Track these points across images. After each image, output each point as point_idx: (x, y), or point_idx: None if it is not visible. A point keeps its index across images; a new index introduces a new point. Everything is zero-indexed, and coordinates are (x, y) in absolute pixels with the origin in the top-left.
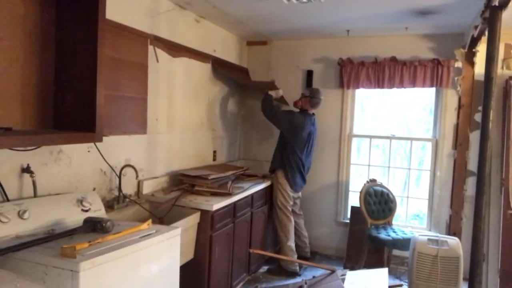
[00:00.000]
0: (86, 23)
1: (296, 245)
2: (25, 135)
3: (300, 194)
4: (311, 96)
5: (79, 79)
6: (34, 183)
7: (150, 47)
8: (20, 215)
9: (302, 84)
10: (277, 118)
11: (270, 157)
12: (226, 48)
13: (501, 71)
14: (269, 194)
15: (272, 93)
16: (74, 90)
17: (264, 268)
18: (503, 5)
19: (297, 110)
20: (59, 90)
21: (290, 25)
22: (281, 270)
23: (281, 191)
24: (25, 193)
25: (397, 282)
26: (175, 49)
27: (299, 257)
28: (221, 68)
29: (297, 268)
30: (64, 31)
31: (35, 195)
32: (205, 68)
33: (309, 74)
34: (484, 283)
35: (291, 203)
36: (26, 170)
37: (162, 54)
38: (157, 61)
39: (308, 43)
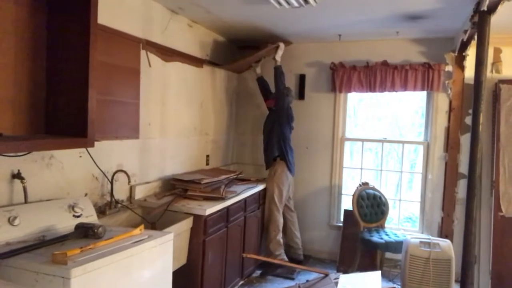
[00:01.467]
0: (78, 28)
1: (289, 247)
2: (16, 141)
3: (292, 183)
4: (287, 94)
5: (71, 84)
6: (25, 189)
7: (143, 52)
8: (11, 221)
9: (295, 88)
10: (284, 98)
11: (263, 161)
12: (219, 52)
13: (490, 74)
14: (262, 198)
15: (279, 57)
16: (65, 95)
17: (258, 272)
18: (491, 10)
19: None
20: (51, 95)
21: (282, 30)
22: (274, 267)
23: (278, 185)
24: (16, 199)
25: (390, 285)
26: (168, 53)
27: (291, 260)
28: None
29: (285, 257)
30: (56, 35)
31: (26, 201)
32: (198, 72)
33: (302, 78)
34: (475, 285)
35: (284, 198)
36: (17, 176)
37: (154, 58)
38: (150, 65)
39: (300, 48)
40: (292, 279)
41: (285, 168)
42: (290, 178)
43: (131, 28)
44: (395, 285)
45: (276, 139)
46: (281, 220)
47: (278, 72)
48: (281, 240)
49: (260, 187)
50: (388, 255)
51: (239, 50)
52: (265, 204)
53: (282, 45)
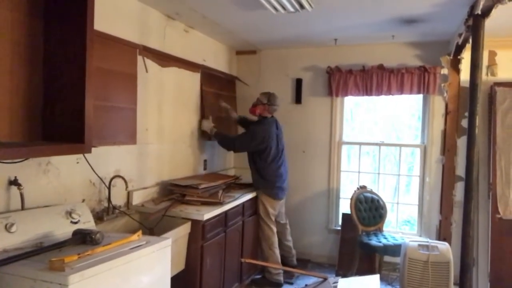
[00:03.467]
0: (75, 34)
1: (282, 257)
2: (13, 147)
3: (283, 202)
4: (269, 104)
5: (68, 90)
6: (21, 195)
7: (139, 57)
8: (7, 228)
9: (292, 93)
10: (242, 146)
11: None
12: (216, 57)
13: (485, 77)
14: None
15: (205, 128)
16: (62, 101)
17: (257, 277)
18: (485, 13)
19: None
20: (48, 101)
21: (279, 35)
22: (266, 281)
23: (263, 203)
24: (13, 206)
25: None
26: (165, 59)
27: (288, 266)
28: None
29: (281, 278)
30: (52, 41)
31: (22, 208)
32: (195, 77)
33: (298, 82)
34: (474, 287)
35: (275, 213)
36: (14, 182)
37: (151, 64)
38: (146, 71)
39: (296, 52)
40: (291, 283)
41: (267, 197)
42: (274, 203)
43: (128, 34)
44: None
45: (255, 171)
46: (274, 236)
47: (218, 140)
48: (279, 257)
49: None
50: (387, 258)
51: (236, 55)
52: (258, 221)
53: (206, 123)
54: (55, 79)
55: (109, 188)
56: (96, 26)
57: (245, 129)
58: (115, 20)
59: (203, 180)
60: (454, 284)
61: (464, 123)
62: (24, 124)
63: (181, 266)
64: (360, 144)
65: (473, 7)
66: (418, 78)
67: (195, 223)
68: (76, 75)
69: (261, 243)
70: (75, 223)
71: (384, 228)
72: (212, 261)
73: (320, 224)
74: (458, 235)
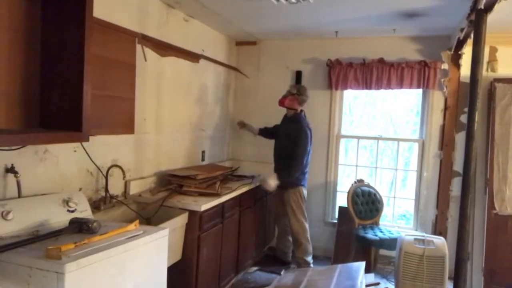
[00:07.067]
0: (73, 21)
1: (283, 252)
2: (10, 134)
3: None
4: (298, 94)
5: (65, 78)
6: (18, 183)
7: (138, 46)
8: (4, 216)
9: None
10: (305, 156)
11: (259, 157)
12: (215, 47)
13: (486, 73)
14: (258, 194)
15: (273, 185)
16: (60, 89)
17: (253, 268)
18: (488, 9)
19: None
20: (45, 89)
21: (279, 26)
22: (276, 260)
23: (302, 196)
24: (9, 194)
25: (377, 281)
26: (164, 48)
27: (280, 262)
28: None
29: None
30: (50, 29)
31: (19, 196)
32: (194, 67)
33: (298, 74)
34: (468, 281)
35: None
36: (10, 170)
37: (150, 53)
38: (145, 60)
39: (297, 44)
40: (280, 274)
41: (304, 189)
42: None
43: (127, 22)
44: (379, 281)
45: (300, 171)
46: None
47: (288, 176)
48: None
49: (256, 183)
50: (383, 252)
51: (236, 46)
52: (293, 216)
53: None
54: (53, 67)
55: (106, 178)
56: (95, 13)
57: (273, 137)
58: (115, 7)
59: (200, 171)
60: (449, 278)
61: (463, 118)
62: (21, 111)
63: (178, 257)
64: (358, 137)
65: (476, 2)
66: (418, 73)
67: (192, 213)
68: (74, 62)
69: (298, 237)
70: (72, 211)
71: (380, 222)
72: (208, 252)
73: (316, 216)
74: (453, 230)
